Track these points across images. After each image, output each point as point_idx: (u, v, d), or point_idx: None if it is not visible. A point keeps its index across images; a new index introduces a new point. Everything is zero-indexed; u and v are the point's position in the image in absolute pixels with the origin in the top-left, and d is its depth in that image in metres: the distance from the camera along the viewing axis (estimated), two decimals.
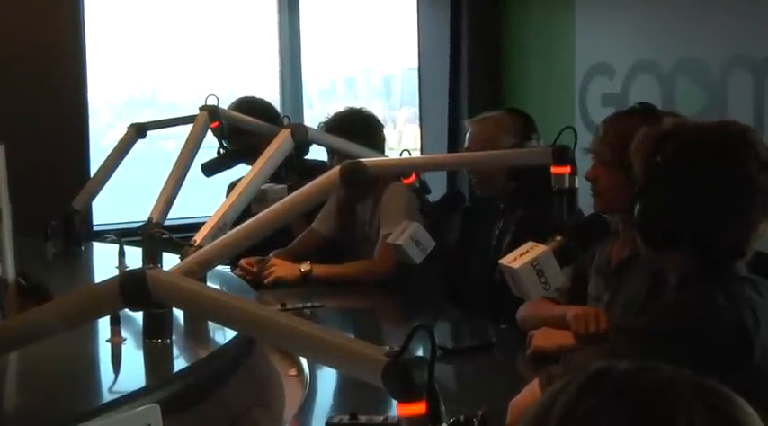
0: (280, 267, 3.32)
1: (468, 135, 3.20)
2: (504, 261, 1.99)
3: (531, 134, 3.06)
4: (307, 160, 3.64)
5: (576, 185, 2.22)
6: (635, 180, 1.79)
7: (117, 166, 3.52)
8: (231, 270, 3.32)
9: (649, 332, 1.70)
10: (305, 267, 3.30)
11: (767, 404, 1.64)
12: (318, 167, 3.15)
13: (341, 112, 3.53)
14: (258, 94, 4.07)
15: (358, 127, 3.40)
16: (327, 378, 2.27)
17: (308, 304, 2.99)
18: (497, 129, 3.10)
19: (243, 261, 3.38)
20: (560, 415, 0.82)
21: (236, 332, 2.05)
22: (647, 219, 1.73)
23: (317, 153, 3.59)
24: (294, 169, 3.45)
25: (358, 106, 3.65)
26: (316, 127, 3.45)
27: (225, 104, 3.35)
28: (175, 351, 2.10)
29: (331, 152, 3.38)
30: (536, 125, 3.16)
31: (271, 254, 3.48)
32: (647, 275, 2.24)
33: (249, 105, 3.79)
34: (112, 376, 2.09)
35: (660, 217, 1.71)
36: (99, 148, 4.26)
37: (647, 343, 1.66)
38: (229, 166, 3.46)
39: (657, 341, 1.66)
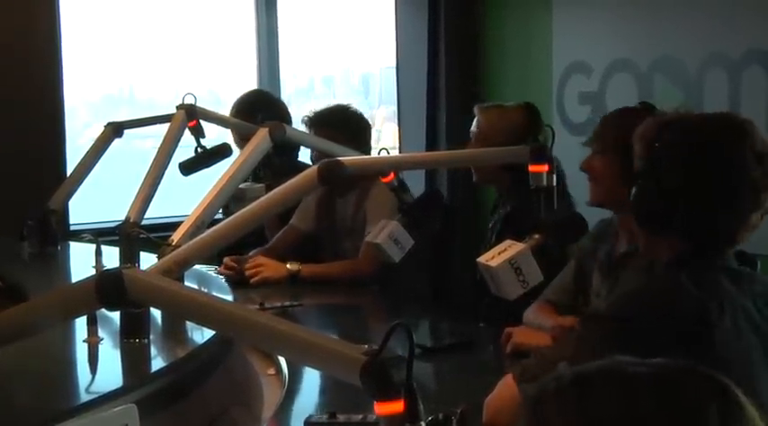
0: (268, 267, 3.31)
1: (474, 121, 3.21)
2: (482, 259, 2.00)
3: (535, 130, 3.03)
4: (299, 162, 3.65)
5: (554, 183, 2.23)
6: (632, 167, 1.81)
7: (94, 165, 3.50)
8: (216, 270, 3.32)
9: (611, 319, 1.71)
10: (293, 267, 3.30)
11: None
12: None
13: (328, 108, 3.53)
14: (236, 92, 4.08)
15: (347, 123, 3.41)
16: (306, 378, 2.27)
17: (287, 303, 2.99)
18: (500, 120, 3.12)
19: (227, 260, 3.37)
20: None
21: (213, 332, 2.05)
22: (642, 201, 1.76)
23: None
24: (272, 168, 3.45)
25: (345, 103, 3.66)
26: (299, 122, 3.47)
27: (202, 102, 3.34)
28: (153, 351, 2.10)
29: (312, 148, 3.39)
30: (542, 121, 3.16)
31: (251, 253, 3.48)
32: (643, 270, 2.26)
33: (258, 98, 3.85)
34: (89, 376, 2.08)
35: (655, 200, 1.73)
36: (75, 147, 4.24)
37: (609, 330, 1.67)
38: (207, 165, 3.44)
39: (618, 327, 1.67)
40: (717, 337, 1.66)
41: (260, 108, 3.72)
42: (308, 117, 3.50)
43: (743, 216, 1.74)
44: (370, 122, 3.79)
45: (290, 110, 4.05)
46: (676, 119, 1.80)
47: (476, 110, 3.28)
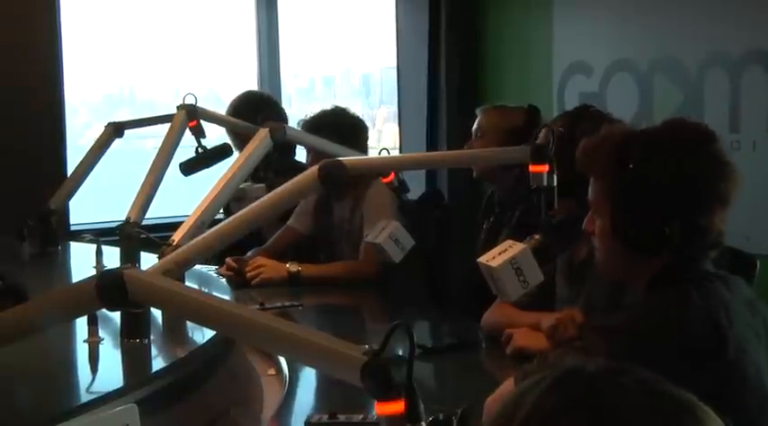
0: (268, 268, 3.31)
1: (476, 122, 3.25)
2: (482, 259, 1.99)
3: (530, 126, 3.06)
4: (295, 161, 3.64)
5: (554, 184, 2.22)
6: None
7: (94, 165, 3.50)
8: (216, 270, 3.32)
9: (623, 331, 1.70)
10: (293, 268, 3.30)
11: (740, 400, 1.67)
12: (301, 168, 3.14)
13: (320, 112, 3.52)
14: (236, 93, 4.08)
15: (338, 126, 3.39)
16: (306, 378, 2.27)
17: (287, 303, 2.99)
18: (502, 121, 3.15)
19: (229, 260, 3.37)
20: (525, 415, 0.81)
21: (214, 332, 2.05)
22: (627, 224, 1.73)
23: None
24: (273, 168, 3.45)
25: (342, 106, 3.64)
26: (295, 125, 3.46)
27: (203, 103, 3.34)
28: (153, 351, 2.10)
29: (308, 150, 3.38)
30: (540, 119, 3.20)
31: (249, 253, 3.48)
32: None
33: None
34: (90, 376, 2.08)
35: (642, 221, 1.72)
36: (76, 148, 4.24)
37: (621, 342, 1.66)
38: (208, 165, 3.45)
39: (631, 340, 1.67)
40: (730, 345, 1.65)
41: (256, 108, 3.73)
42: (303, 121, 3.50)
43: (723, 219, 1.74)
44: (371, 123, 3.78)
45: (290, 110, 4.05)
46: (638, 133, 1.78)
47: (478, 111, 3.30)
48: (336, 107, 3.61)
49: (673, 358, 1.61)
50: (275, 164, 3.36)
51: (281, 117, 3.70)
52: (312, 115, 3.50)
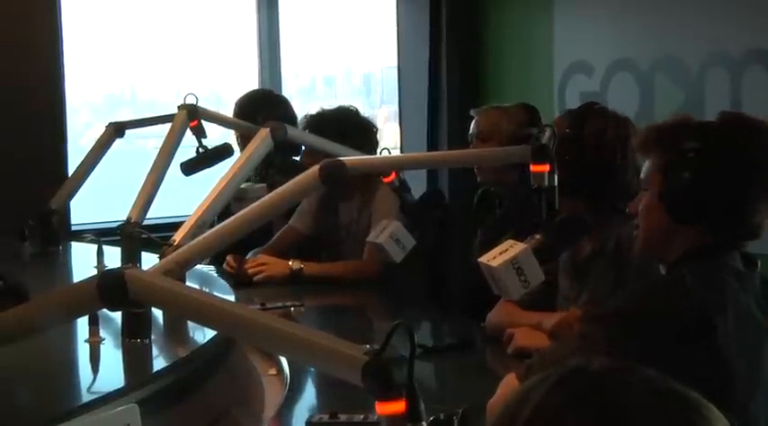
0: (271, 265, 3.31)
1: (473, 123, 3.25)
2: (483, 259, 2.00)
3: (531, 126, 3.06)
4: (297, 161, 3.64)
5: (555, 183, 2.23)
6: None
7: (95, 165, 3.50)
8: (217, 268, 3.32)
9: (615, 315, 1.73)
10: (295, 265, 3.30)
11: (728, 387, 1.68)
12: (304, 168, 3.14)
13: (321, 111, 3.50)
14: (237, 92, 4.08)
15: (340, 126, 3.37)
16: (307, 378, 2.27)
17: (288, 303, 2.99)
18: (502, 120, 3.16)
19: (230, 258, 3.37)
20: (529, 414, 0.82)
21: (215, 332, 2.05)
22: (676, 189, 1.76)
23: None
24: (276, 167, 3.45)
25: (347, 105, 3.62)
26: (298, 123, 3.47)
27: (204, 103, 3.34)
28: (155, 351, 2.10)
29: (305, 148, 3.38)
30: (540, 118, 3.21)
31: (251, 253, 3.48)
32: (610, 271, 2.27)
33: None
34: (91, 376, 2.08)
35: (689, 189, 1.74)
36: (77, 148, 4.24)
37: (612, 326, 1.68)
38: (208, 165, 3.45)
39: (622, 323, 1.69)
40: (719, 335, 1.66)
41: (262, 107, 3.73)
42: (305, 118, 3.49)
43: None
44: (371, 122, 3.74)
45: None
46: (690, 120, 1.81)
47: (473, 112, 3.28)
48: (342, 106, 3.58)
49: (664, 338, 1.63)
50: (278, 164, 3.37)
51: (286, 115, 3.67)
52: (311, 114, 3.49)
